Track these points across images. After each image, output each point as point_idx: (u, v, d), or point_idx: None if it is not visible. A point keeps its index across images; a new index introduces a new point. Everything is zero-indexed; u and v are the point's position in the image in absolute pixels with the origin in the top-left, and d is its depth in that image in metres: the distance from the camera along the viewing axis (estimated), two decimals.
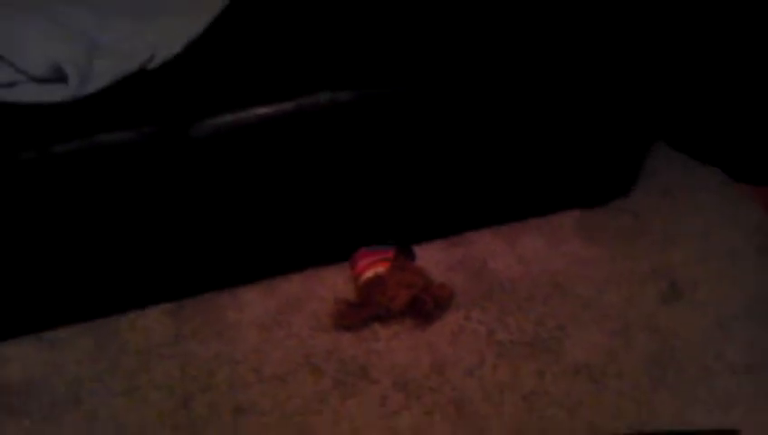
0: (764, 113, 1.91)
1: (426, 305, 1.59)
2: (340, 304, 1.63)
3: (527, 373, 1.54)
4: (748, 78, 1.89)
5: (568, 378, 1.54)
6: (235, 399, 1.49)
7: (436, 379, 1.53)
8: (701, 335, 1.61)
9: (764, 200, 1.94)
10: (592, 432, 1.45)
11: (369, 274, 1.64)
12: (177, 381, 1.52)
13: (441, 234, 1.80)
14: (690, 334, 1.61)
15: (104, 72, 1.43)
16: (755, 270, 1.76)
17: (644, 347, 1.59)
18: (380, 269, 1.64)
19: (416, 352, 1.58)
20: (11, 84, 1.41)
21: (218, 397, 1.50)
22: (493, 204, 1.81)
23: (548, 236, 1.82)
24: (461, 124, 1.61)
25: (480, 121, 1.62)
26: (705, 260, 1.78)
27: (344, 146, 1.55)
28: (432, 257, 1.75)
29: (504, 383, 1.52)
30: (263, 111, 1.45)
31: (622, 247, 1.80)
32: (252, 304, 1.66)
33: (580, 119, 1.70)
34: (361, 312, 1.60)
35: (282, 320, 1.64)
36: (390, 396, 1.50)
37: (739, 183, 1.97)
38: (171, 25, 1.55)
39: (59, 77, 1.41)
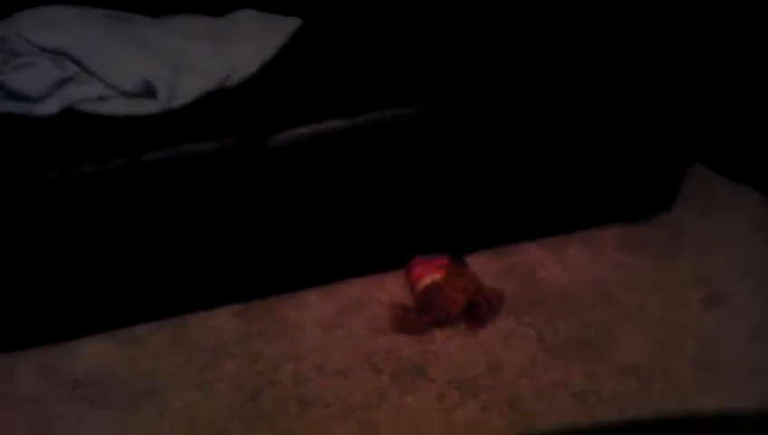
0: None
1: (481, 309, 1.68)
2: (397, 309, 1.72)
3: (577, 374, 1.62)
4: None
5: (616, 378, 1.61)
6: (299, 393, 1.58)
7: (491, 378, 1.62)
8: (741, 341, 1.69)
9: None
10: (640, 429, 1.52)
11: (427, 280, 1.73)
12: (245, 376, 1.62)
13: (491, 244, 1.90)
14: (731, 340, 1.69)
15: (188, 89, 1.56)
16: None
17: (687, 350, 1.67)
18: (437, 276, 1.73)
19: (470, 354, 1.67)
20: (103, 99, 1.54)
21: (284, 391, 1.59)
22: (540, 217, 1.90)
23: (592, 247, 1.92)
24: (511, 139, 1.72)
25: (529, 137, 1.73)
26: (742, 273, 1.86)
27: (405, 158, 1.66)
28: (482, 266, 1.85)
29: (556, 382, 1.60)
30: (333, 124, 1.57)
31: (663, 260, 1.89)
32: (314, 307, 1.76)
33: (622, 136, 1.81)
34: (422, 318, 1.69)
35: (342, 321, 1.73)
36: (447, 393, 1.59)
37: None
38: (246, 48, 1.69)
39: (147, 93, 1.54)
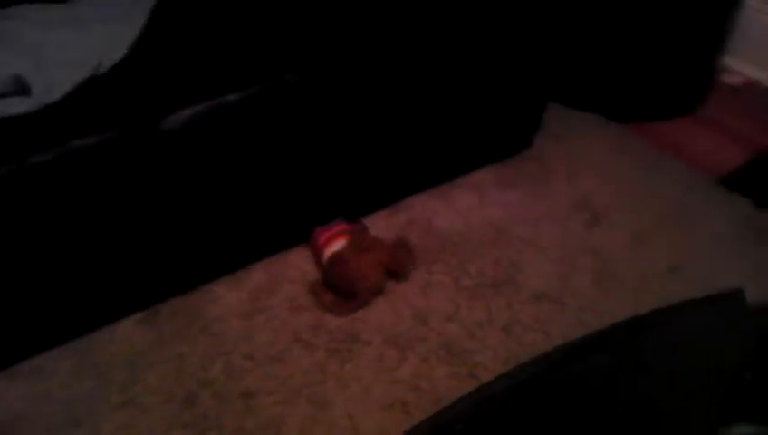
0: (631, 62, 2.21)
1: (399, 272, 1.70)
2: (320, 294, 1.68)
3: (498, 309, 1.69)
4: (618, 28, 2.17)
5: (532, 305, 1.70)
6: (238, 387, 1.51)
7: (421, 329, 1.63)
8: (627, 249, 1.85)
9: (640, 133, 2.23)
10: (570, 349, 1.62)
11: (333, 248, 1.71)
12: (173, 383, 1.50)
13: (383, 204, 1.90)
14: (618, 249, 1.84)
15: (61, 82, 1.40)
16: (648, 187, 2.03)
17: (585, 268, 1.79)
18: (342, 242, 1.71)
19: (394, 311, 1.67)
20: None
21: (221, 388, 1.50)
22: (421, 170, 1.94)
23: (476, 190, 1.99)
24: (387, 99, 1.72)
25: (403, 95, 1.74)
26: (608, 188, 2.02)
27: (295, 127, 1.61)
28: (381, 225, 1.85)
29: (482, 321, 1.66)
30: (226, 99, 1.48)
31: (540, 190, 2.01)
32: (224, 298, 1.67)
33: (484, 84, 1.88)
34: (350, 304, 1.66)
35: (259, 306, 1.66)
36: (384, 353, 1.58)
37: (618, 122, 2.25)
38: (108, 31, 1.54)
39: (16, 90, 1.36)
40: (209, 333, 1.60)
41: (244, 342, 1.59)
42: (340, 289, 1.67)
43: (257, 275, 1.73)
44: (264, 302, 1.67)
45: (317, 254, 1.74)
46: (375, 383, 1.53)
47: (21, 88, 1.35)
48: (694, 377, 1.03)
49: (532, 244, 1.84)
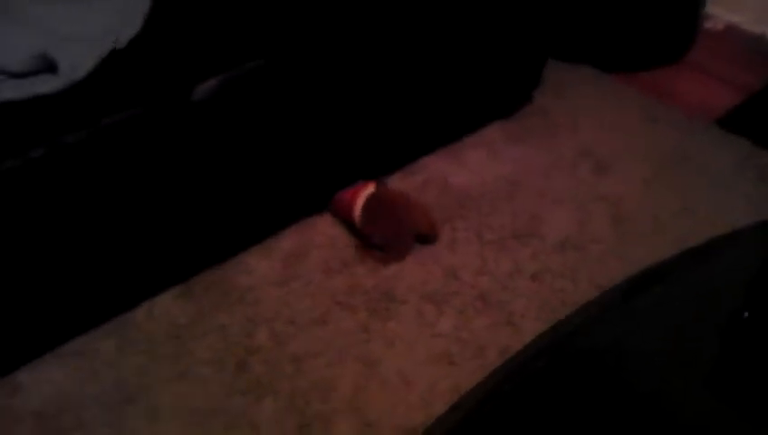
0: (619, 12, 2.26)
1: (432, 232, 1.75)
2: (366, 250, 1.72)
3: (524, 259, 1.73)
4: None
5: (557, 253, 1.75)
6: (285, 351, 1.53)
7: (454, 284, 1.67)
8: (638, 194, 1.91)
9: (633, 82, 2.29)
10: (594, 290, 1.68)
11: (364, 193, 1.73)
12: (222, 352, 1.52)
13: (397, 166, 1.93)
14: (630, 195, 1.90)
15: (85, 58, 1.38)
16: (649, 134, 2.10)
17: (601, 214, 1.85)
18: (369, 189, 1.74)
19: (426, 268, 1.71)
20: None
21: (269, 353, 1.52)
22: (431, 130, 1.97)
23: (484, 147, 2.03)
24: (396, 60, 1.74)
25: (406, 58, 1.77)
26: (610, 137, 2.08)
27: (314, 92, 1.62)
28: (399, 186, 1.88)
29: (511, 271, 1.70)
30: (249, 66, 1.48)
31: (545, 142, 2.06)
32: (257, 268, 1.68)
33: (484, 40, 1.91)
34: (400, 249, 1.72)
35: (293, 273, 1.68)
36: (423, 308, 1.62)
37: (610, 73, 2.31)
38: (118, 6, 1.51)
39: (43, 69, 1.34)
40: (247, 302, 1.61)
41: (283, 308, 1.60)
42: (385, 228, 1.70)
43: (285, 243, 1.74)
44: (297, 268, 1.69)
45: (345, 211, 1.75)
46: (418, 339, 1.56)
47: (47, 65, 1.33)
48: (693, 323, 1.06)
49: (546, 195, 1.89)
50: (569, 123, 2.12)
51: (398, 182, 1.90)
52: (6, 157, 1.25)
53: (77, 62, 1.35)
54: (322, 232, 1.78)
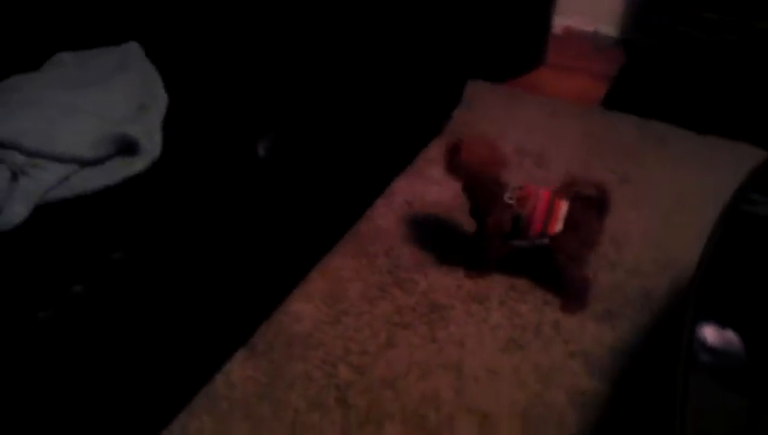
0: (492, 31, 2.56)
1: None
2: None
3: None
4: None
5: None
6: (374, 379, 1.56)
7: (484, 282, 1.81)
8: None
9: (517, 86, 2.59)
10: None
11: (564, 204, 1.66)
12: (318, 396, 1.52)
13: (378, 193, 2.03)
14: None
15: (157, 133, 1.36)
16: (554, 124, 2.40)
17: None
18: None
19: (452, 275, 1.83)
20: (68, 178, 1.24)
21: (361, 385, 1.55)
22: (393, 157, 2.10)
23: (438, 163, 2.18)
24: None
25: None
26: (531, 135, 2.35)
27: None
28: (383, 211, 1.98)
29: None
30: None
31: None
32: (305, 312, 1.70)
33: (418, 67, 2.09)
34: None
35: (339, 310, 1.72)
36: (471, 308, 1.74)
37: (497, 82, 2.60)
38: (133, 83, 1.50)
39: (118, 151, 1.29)
40: (312, 346, 1.63)
41: (348, 343, 1.64)
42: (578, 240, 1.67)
43: (317, 285, 1.77)
44: (340, 305, 1.73)
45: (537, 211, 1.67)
46: (481, 334, 1.68)
47: (128, 146, 1.29)
48: None
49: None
50: (493, 130, 2.36)
51: (382, 207, 2.01)
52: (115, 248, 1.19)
53: (155, 139, 1.31)
54: (344, 267, 1.83)
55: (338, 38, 1.79)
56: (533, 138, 2.34)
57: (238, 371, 1.56)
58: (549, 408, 1.52)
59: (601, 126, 2.41)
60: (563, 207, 1.65)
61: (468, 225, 1.84)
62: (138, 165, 1.27)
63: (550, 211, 1.66)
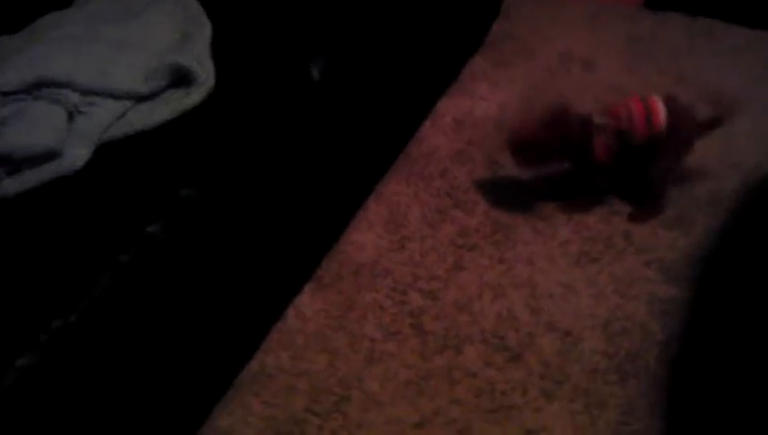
0: None
1: None
2: None
3: None
4: None
5: None
6: (447, 303, 1.53)
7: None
8: (626, 77, 2.09)
9: None
10: None
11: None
12: (393, 324, 1.49)
13: (426, 112, 1.96)
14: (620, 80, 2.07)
15: (209, 60, 1.30)
16: (602, 28, 2.29)
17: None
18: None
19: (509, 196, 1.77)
20: (126, 114, 1.17)
21: (435, 310, 1.51)
22: (437, 72, 2.01)
23: (482, 77, 2.10)
24: None
25: None
26: (575, 39, 2.24)
27: None
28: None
29: None
30: None
31: (528, 59, 2.17)
32: (367, 241, 1.65)
33: None
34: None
35: (402, 236, 1.67)
36: (537, 226, 1.67)
37: None
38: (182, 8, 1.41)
39: (173, 83, 1.22)
40: (379, 274, 1.59)
41: (417, 269, 1.60)
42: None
43: (376, 213, 1.72)
44: (403, 231, 1.68)
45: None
46: (550, 251, 1.62)
47: (182, 76, 1.21)
48: None
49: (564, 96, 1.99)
50: (536, 39, 2.25)
51: (430, 128, 1.93)
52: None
53: (207, 67, 1.24)
54: (401, 192, 1.77)
55: None
56: (578, 43, 2.23)
57: (309, 304, 1.53)
58: (630, 319, 1.48)
59: (647, 26, 2.30)
60: (661, 106, 1.58)
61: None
62: (194, 96, 1.20)
63: (649, 112, 1.58)
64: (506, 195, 1.75)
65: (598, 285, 1.55)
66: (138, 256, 1.01)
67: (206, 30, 1.37)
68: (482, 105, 2.01)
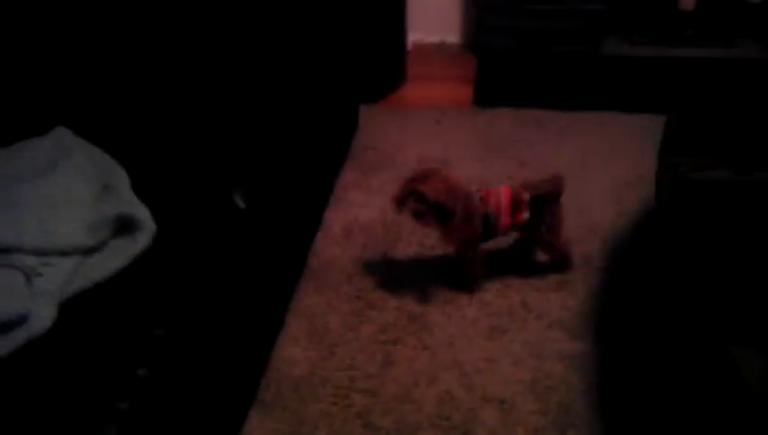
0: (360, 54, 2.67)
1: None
2: None
3: None
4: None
5: None
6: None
7: None
8: (478, 166, 2.34)
9: (393, 103, 2.72)
10: None
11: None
12: None
13: (317, 227, 2.06)
14: (473, 169, 2.32)
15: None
16: (447, 131, 2.55)
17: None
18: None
19: None
20: (80, 269, 1.18)
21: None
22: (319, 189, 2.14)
23: (355, 187, 2.26)
24: None
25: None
26: (427, 144, 2.47)
27: None
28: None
29: None
30: None
31: (390, 164, 2.36)
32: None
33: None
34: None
35: None
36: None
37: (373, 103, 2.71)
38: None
39: (116, 233, 1.25)
40: (319, 384, 1.63)
41: (351, 371, 1.66)
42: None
43: (296, 326, 1.77)
44: (326, 340, 1.74)
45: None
46: (464, 331, 1.76)
47: (126, 224, 1.25)
48: None
49: None
50: (393, 147, 2.47)
51: (324, 239, 2.04)
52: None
53: (145, 213, 1.28)
54: (315, 304, 1.84)
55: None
56: (430, 146, 2.47)
57: (259, 427, 1.54)
58: (552, 377, 1.64)
59: (483, 122, 2.60)
60: (527, 199, 1.79)
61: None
62: (141, 241, 1.24)
63: (515, 204, 1.79)
64: (411, 288, 1.89)
65: (514, 353, 1.70)
66: (136, 400, 1.02)
67: (123, 178, 1.41)
68: (363, 212, 2.16)
